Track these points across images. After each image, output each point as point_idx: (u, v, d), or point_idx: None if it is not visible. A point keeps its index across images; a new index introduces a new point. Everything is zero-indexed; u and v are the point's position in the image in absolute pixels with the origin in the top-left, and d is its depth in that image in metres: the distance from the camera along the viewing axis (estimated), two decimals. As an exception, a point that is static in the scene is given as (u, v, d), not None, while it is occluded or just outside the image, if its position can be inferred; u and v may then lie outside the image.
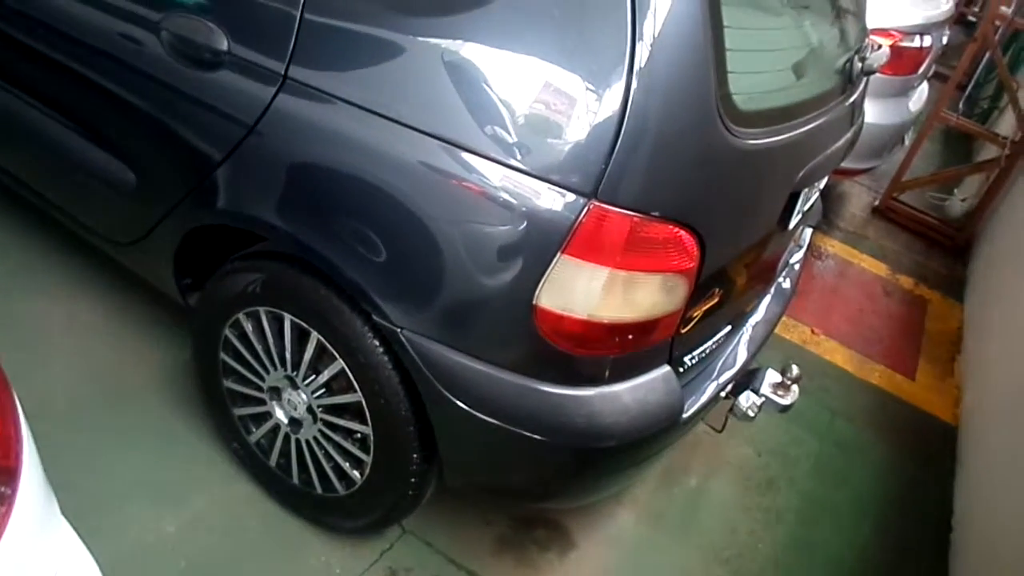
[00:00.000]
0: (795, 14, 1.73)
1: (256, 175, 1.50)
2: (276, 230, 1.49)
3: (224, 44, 1.45)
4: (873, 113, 3.21)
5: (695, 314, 1.50)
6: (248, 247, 1.66)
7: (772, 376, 1.91)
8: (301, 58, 1.39)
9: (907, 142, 4.20)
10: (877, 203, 4.47)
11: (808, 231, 2.35)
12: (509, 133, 1.25)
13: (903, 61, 3.50)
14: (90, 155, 1.82)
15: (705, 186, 1.33)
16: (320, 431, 1.67)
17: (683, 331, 1.48)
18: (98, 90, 1.70)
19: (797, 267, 2.25)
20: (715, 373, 1.75)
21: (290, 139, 1.42)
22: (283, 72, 1.40)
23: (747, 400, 1.86)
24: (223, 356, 1.76)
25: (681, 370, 1.58)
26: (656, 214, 1.25)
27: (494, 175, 1.26)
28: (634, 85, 1.20)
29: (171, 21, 1.51)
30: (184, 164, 1.60)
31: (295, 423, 1.72)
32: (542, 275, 1.27)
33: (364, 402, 1.53)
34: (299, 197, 1.45)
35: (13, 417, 0.88)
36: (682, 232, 1.29)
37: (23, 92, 1.93)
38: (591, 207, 1.22)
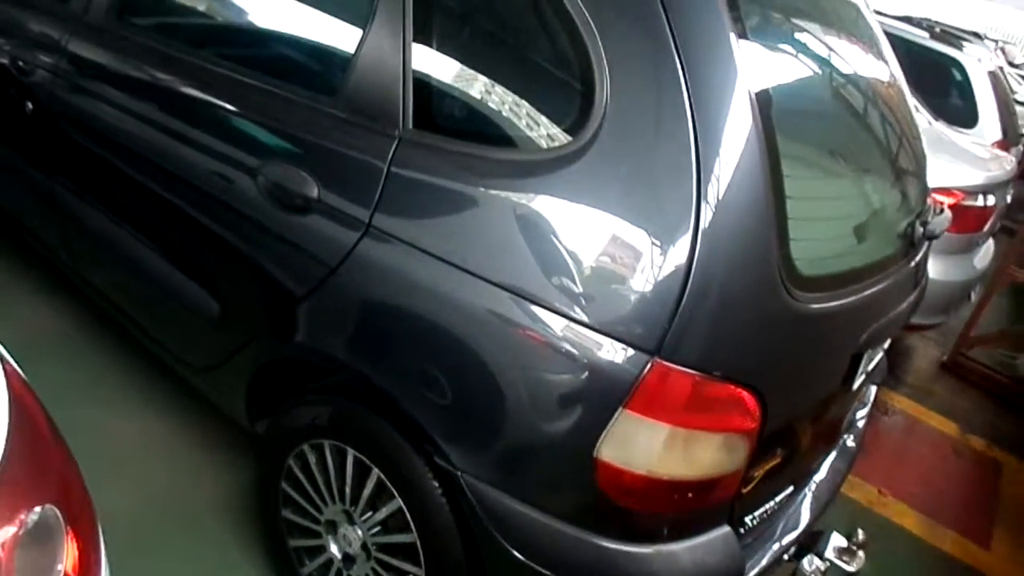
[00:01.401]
0: (856, 177, 1.79)
1: (333, 314, 1.58)
2: (347, 367, 1.55)
3: (315, 192, 1.56)
4: (937, 270, 3.21)
5: (757, 474, 1.48)
6: (317, 380, 1.72)
7: (837, 540, 1.84)
8: (384, 207, 1.49)
9: (974, 298, 4.15)
10: (945, 359, 4.37)
11: (873, 388, 2.32)
12: (575, 287, 1.30)
13: (967, 220, 3.51)
14: (177, 281, 1.94)
15: (767, 348, 1.35)
16: (372, 569, 1.67)
17: (744, 491, 1.46)
18: (192, 222, 1.84)
19: (861, 424, 2.20)
20: (777, 535, 1.70)
21: (368, 282, 1.50)
22: (367, 220, 1.49)
23: (811, 564, 1.79)
24: (284, 486, 1.79)
25: (742, 531, 1.54)
26: (718, 374, 1.27)
27: (559, 326, 1.30)
28: (699, 246, 1.25)
29: (268, 168, 1.64)
30: (267, 298, 1.70)
31: (348, 559, 1.71)
32: (604, 428, 1.28)
33: (419, 543, 1.53)
34: (372, 337, 1.51)
35: (95, 544, 0.92)
36: (744, 392, 1.30)
37: (119, 216, 2.09)
38: (654, 364, 1.25)
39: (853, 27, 1.90)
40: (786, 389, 1.43)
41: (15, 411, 0.97)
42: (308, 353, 1.64)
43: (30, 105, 2.20)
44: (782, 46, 1.67)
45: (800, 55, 1.73)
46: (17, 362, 1.17)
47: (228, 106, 1.77)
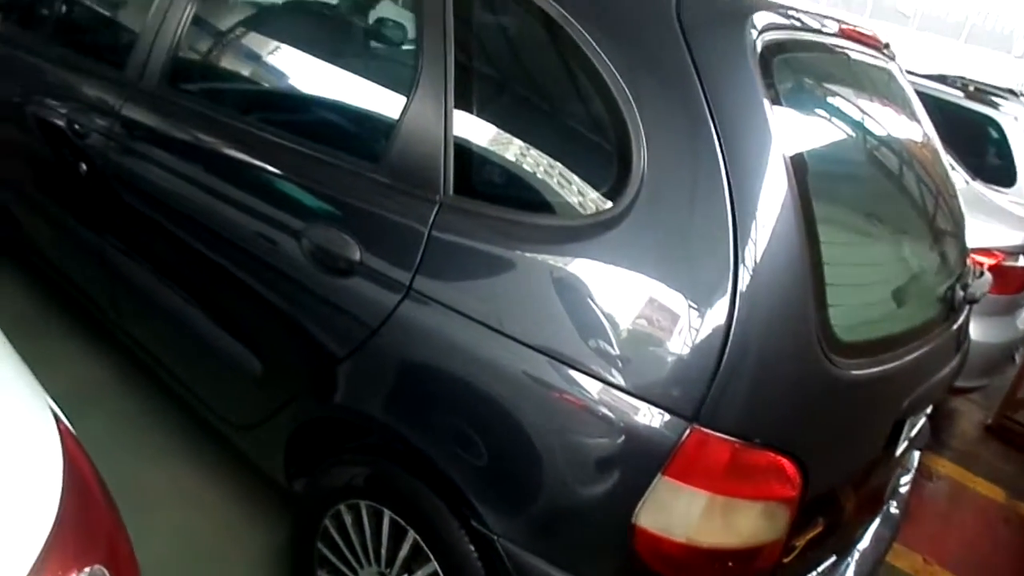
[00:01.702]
0: (893, 240, 1.78)
1: (373, 374, 1.60)
2: (386, 427, 1.57)
3: (357, 255, 1.59)
4: (979, 331, 3.15)
5: (798, 543, 1.45)
6: (355, 440, 1.74)
7: (881, 612, 1.79)
8: (425, 271, 1.51)
9: (1018, 359, 4.06)
10: (989, 422, 4.26)
11: (916, 453, 2.27)
12: (612, 350, 1.31)
13: (1008, 280, 3.46)
14: (221, 340, 1.98)
15: (807, 415, 1.34)
16: (406, 633, 1.65)
17: (786, 560, 1.43)
18: (236, 283, 1.88)
19: (905, 491, 2.15)
20: (819, 606, 1.66)
21: (408, 344, 1.53)
22: (408, 283, 1.52)
23: (854, 637, 1.74)
24: (320, 545, 1.79)
25: (783, 602, 1.51)
26: (757, 441, 1.26)
27: (596, 390, 1.31)
28: (737, 310, 1.25)
29: (312, 231, 1.68)
30: (308, 358, 1.73)
31: (382, 622, 1.70)
32: (642, 494, 1.27)
33: (454, 607, 1.52)
34: (411, 398, 1.53)
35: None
36: (784, 460, 1.29)
37: (166, 275, 2.15)
38: (692, 430, 1.25)
39: (885, 90, 1.92)
40: (827, 456, 1.41)
41: (68, 472, 1.00)
42: (347, 413, 1.66)
43: (84, 167, 2.28)
44: (816, 111, 1.69)
45: (834, 119, 1.75)
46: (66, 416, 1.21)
47: (274, 170, 1.83)
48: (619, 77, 1.40)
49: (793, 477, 1.30)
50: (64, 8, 2.65)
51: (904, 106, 1.98)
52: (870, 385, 1.44)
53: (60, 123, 2.37)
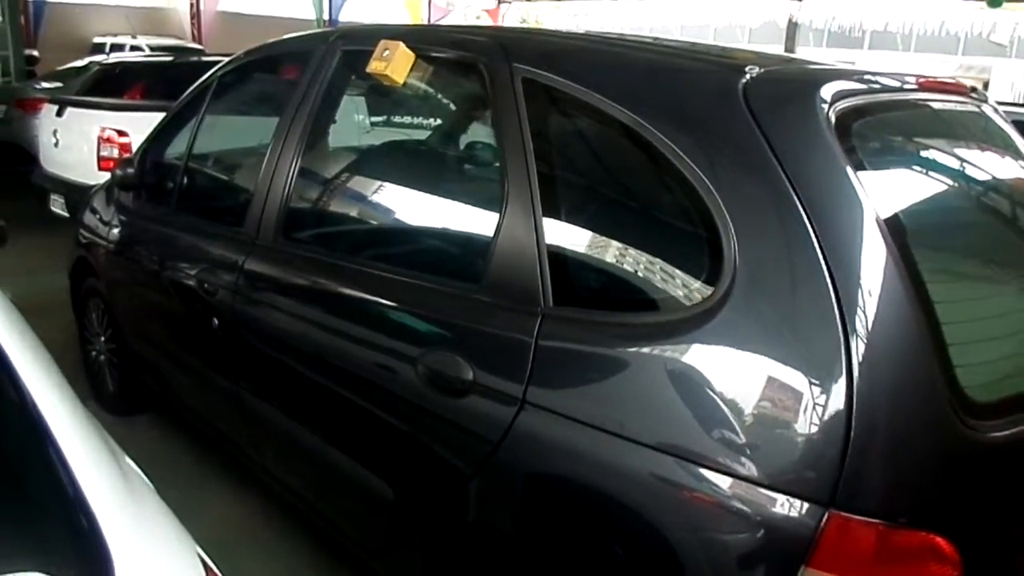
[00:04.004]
0: (1019, 284, 1.69)
1: (499, 490, 1.62)
2: (518, 540, 1.57)
3: (470, 374, 1.64)
4: None
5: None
6: (492, 556, 1.75)
7: None
8: (536, 382, 1.54)
9: None
10: None
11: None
12: (737, 439, 1.29)
13: None
14: (352, 469, 2.05)
15: (951, 486, 1.27)
16: None
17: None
18: (362, 413, 1.97)
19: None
20: None
21: (529, 456, 1.55)
22: (521, 396, 1.55)
23: None
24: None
25: None
26: (903, 520, 1.20)
27: (726, 485, 1.29)
28: (856, 381, 1.21)
29: (426, 356, 1.75)
30: (436, 480, 1.77)
31: None
32: (788, 590, 1.23)
33: None
34: (540, 510, 1.54)
35: None
36: (937, 539, 1.21)
37: (297, 412, 2.26)
38: (830, 516, 1.20)
39: (980, 132, 1.87)
40: (984, 529, 1.32)
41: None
42: (480, 530, 1.68)
43: (216, 321, 2.47)
44: (907, 168, 1.67)
45: (929, 173, 1.72)
46: (213, 560, 1.26)
47: (385, 302, 1.93)
48: (697, 169, 1.43)
49: (951, 556, 1.22)
50: (185, 180, 2.92)
51: (1005, 145, 1.91)
52: (1018, 445, 1.35)
53: (192, 284, 2.59)
